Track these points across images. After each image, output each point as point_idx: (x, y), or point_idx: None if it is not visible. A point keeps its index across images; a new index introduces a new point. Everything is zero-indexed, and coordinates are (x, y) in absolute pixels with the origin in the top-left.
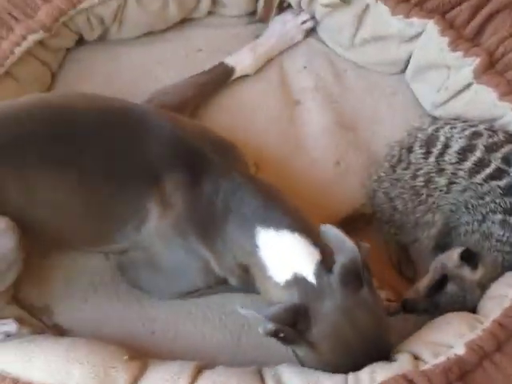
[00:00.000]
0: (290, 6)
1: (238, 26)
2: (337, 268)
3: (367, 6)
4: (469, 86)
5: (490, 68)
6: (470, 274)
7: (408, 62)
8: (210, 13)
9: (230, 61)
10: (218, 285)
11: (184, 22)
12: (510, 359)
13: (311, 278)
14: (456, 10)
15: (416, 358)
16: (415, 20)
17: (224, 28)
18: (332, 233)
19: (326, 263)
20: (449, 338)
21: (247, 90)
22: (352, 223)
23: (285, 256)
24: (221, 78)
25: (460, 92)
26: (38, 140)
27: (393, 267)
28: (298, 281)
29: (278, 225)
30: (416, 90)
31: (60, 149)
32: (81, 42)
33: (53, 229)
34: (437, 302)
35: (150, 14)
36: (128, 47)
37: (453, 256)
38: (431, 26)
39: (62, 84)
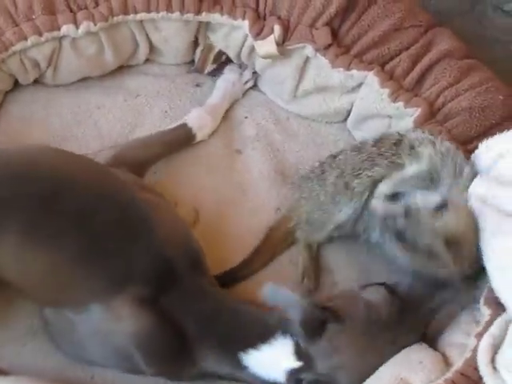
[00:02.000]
0: (227, 57)
1: (177, 75)
2: (298, 331)
3: (307, 59)
4: None
5: (431, 118)
6: None
7: (350, 111)
8: (148, 60)
9: (192, 124)
10: None
11: (122, 68)
12: None
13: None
14: (395, 60)
15: None
16: (355, 72)
17: (163, 75)
18: (274, 293)
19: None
20: (415, 381)
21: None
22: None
23: (272, 364)
24: (182, 142)
25: None
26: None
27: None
28: (291, 375)
29: (256, 343)
30: (358, 138)
31: (41, 214)
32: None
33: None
34: None
35: (86, 60)
36: (66, 91)
37: None
38: (371, 78)
39: (3, 124)
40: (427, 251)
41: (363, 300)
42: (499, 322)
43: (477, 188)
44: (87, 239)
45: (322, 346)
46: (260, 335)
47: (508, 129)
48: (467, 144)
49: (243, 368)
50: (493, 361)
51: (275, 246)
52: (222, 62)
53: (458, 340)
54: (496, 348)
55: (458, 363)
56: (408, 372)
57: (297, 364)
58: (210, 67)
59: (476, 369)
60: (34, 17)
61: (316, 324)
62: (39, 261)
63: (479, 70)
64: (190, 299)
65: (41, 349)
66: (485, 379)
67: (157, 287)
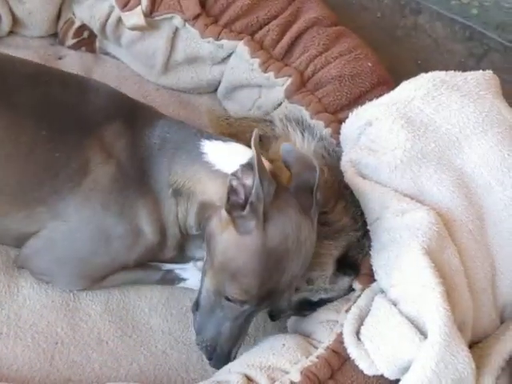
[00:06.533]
0: (89, 30)
1: (40, 47)
2: (295, 180)
3: (177, 30)
4: (280, 105)
5: (302, 87)
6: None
7: (221, 82)
8: (11, 32)
9: None
10: (143, 259)
11: None
12: None
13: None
14: (264, 29)
15: (250, 379)
16: (225, 42)
17: (26, 48)
18: (293, 151)
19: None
20: (284, 363)
21: None
22: None
23: (232, 156)
24: None
25: (273, 110)
26: None
27: None
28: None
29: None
30: (229, 108)
31: None
32: None
33: None
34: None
35: None
36: None
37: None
38: (241, 48)
39: None
40: None
41: None
42: (366, 293)
43: (350, 156)
44: (36, 109)
45: None
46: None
47: (377, 96)
48: (338, 112)
49: (201, 155)
50: (358, 332)
51: None
52: (84, 37)
53: (329, 317)
54: (362, 319)
55: (329, 339)
56: (274, 357)
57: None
58: (70, 41)
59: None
60: None
61: (310, 192)
62: None
63: (348, 38)
64: (154, 121)
65: None
66: (349, 350)
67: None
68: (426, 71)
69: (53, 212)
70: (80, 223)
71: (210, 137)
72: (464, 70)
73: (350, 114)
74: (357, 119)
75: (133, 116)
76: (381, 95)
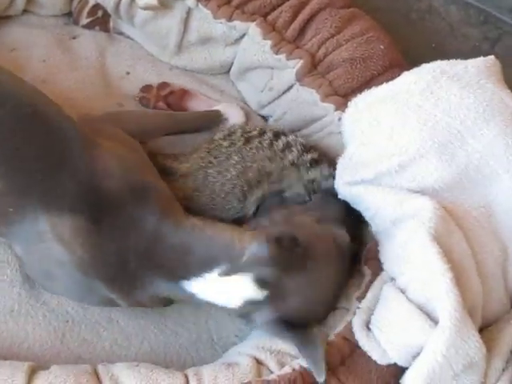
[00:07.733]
0: (103, 9)
1: (54, 26)
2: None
3: (190, 10)
4: (292, 86)
5: (313, 70)
6: None
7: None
8: (25, 11)
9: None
10: None
11: None
12: (350, 373)
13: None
14: (277, 11)
15: (259, 362)
16: (237, 23)
17: (40, 27)
18: None
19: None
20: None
21: (70, 94)
22: None
23: (224, 292)
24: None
25: (284, 93)
26: None
27: None
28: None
29: (201, 270)
30: (242, 89)
31: None
32: None
33: None
34: None
35: None
36: None
37: None
38: (253, 29)
39: None
40: None
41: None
42: (376, 283)
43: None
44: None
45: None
46: (202, 263)
47: (389, 79)
48: (349, 95)
49: (191, 295)
50: (368, 322)
51: None
52: (98, 17)
53: (338, 304)
54: (372, 310)
55: (339, 325)
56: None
57: (260, 294)
58: (84, 21)
59: None
60: None
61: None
62: None
63: (360, 20)
64: (130, 227)
65: None
66: (361, 343)
67: (94, 214)
68: (441, 55)
69: None
70: None
71: (191, 274)
72: (478, 53)
73: (349, 103)
74: (356, 111)
75: (102, 214)
76: (393, 78)
